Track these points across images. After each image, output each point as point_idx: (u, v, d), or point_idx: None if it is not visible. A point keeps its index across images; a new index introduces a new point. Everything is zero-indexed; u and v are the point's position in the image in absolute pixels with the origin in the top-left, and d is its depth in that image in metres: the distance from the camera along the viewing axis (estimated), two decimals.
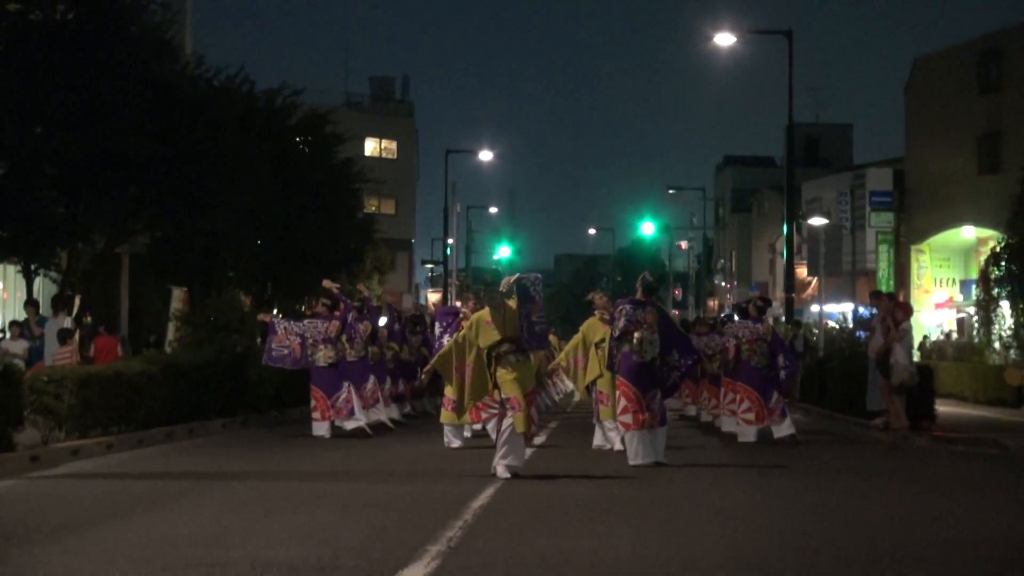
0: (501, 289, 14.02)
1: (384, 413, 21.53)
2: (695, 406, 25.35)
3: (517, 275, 14.12)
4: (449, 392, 17.80)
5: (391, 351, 22.80)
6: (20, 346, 20.64)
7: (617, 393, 15.75)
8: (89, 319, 26.51)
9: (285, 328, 20.19)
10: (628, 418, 15.33)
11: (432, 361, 15.23)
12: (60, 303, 23.63)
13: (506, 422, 13.68)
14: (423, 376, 15.96)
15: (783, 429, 19.16)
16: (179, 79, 26.48)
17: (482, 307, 14.44)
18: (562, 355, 18.67)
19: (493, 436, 15.65)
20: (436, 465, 15.36)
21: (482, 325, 14.00)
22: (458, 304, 19.30)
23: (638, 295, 15.74)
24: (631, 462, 15.12)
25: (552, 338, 26.45)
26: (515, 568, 8.36)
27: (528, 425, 13.71)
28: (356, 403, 19.92)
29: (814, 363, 29.03)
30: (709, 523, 10.45)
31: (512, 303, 13.88)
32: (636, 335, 15.41)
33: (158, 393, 19.09)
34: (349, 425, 19.81)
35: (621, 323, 15.56)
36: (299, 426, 21.21)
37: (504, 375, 13.79)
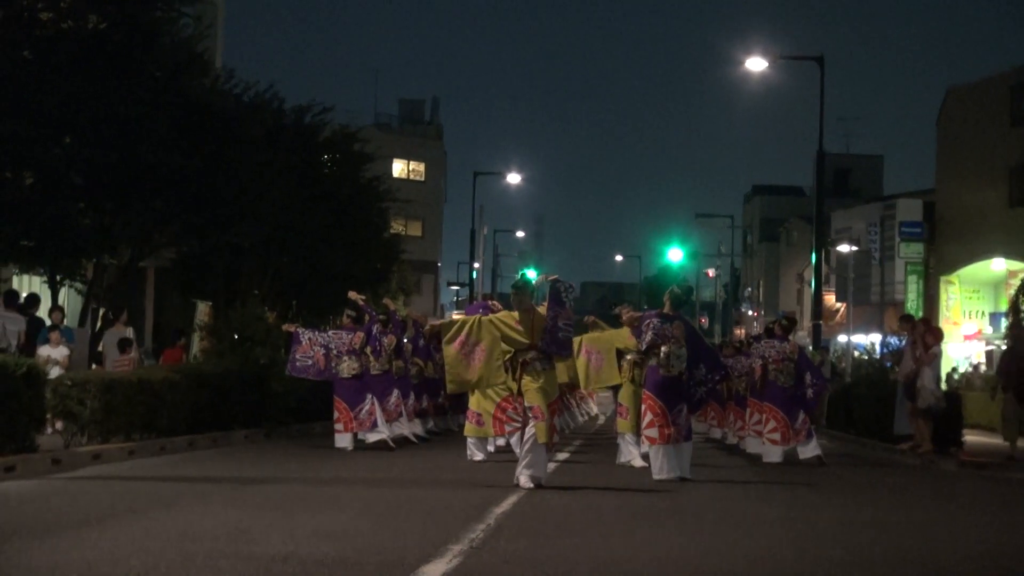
0: (536, 283, 13.94)
1: (407, 427, 21.52)
2: (720, 429, 25.25)
3: (555, 276, 14.04)
4: (473, 405, 17.82)
5: (416, 366, 22.76)
6: (61, 352, 20.73)
7: (643, 407, 15.68)
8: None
9: (310, 339, 20.24)
10: (654, 432, 15.26)
11: (442, 320, 15.02)
12: (119, 313, 23.88)
13: (528, 431, 13.61)
14: (427, 329, 15.38)
15: (809, 450, 19.13)
16: (209, 93, 26.59)
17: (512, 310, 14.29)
18: (579, 339, 17.61)
19: (517, 451, 15.62)
20: (459, 475, 15.36)
21: (511, 323, 13.92)
22: (490, 302, 19.20)
23: (666, 308, 15.65)
24: (655, 476, 15.06)
25: None
26: (537, 567, 8.33)
27: (551, 435, 13.65)
28: (379, 416, 19.94)
29: (840, 389, 28.93)
30: (732, 533, 10.41)
31: (541, 310, 13.82)
32: (663, 349, 15.31)
33: (181, 402, 19.15)
34: (372, 437, 19.85)
35: (648, 336, 15.47)
36: (322, 439, 21.25)
37: (529, 383, 13.66)
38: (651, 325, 15.46)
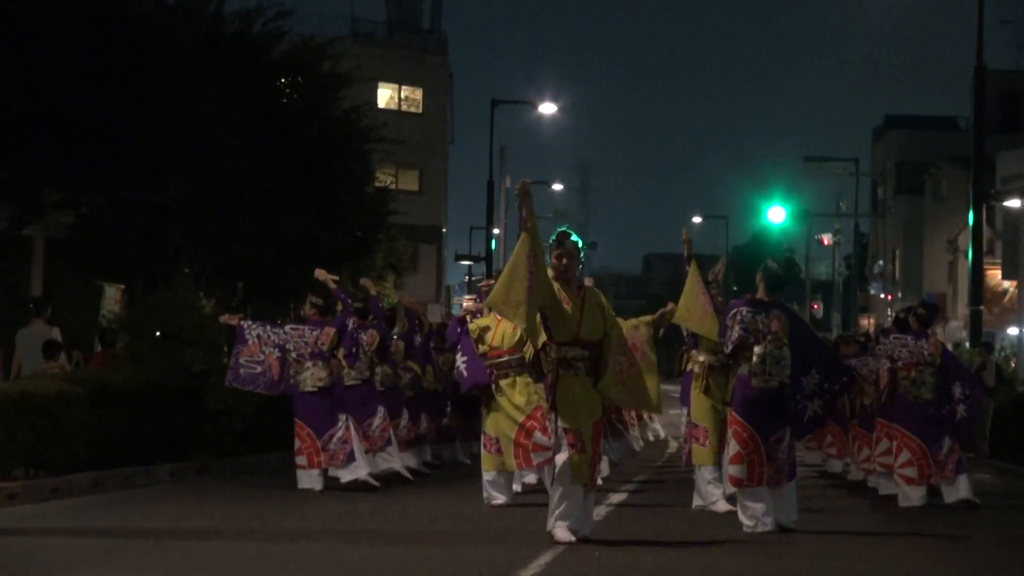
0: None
1: (398, 460, 21.41)
2: (840, 459, 24.85)
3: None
4: (489, 427, 17.62)
5: (410, 373, 22.74)
6: None
7: (728, 433, 15.59)
8: None
9: (259, 336, 20.09)
10: (740, 470, 15.10)
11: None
12: (38, 306, 23.88)
13: (560, 463, 13.46)
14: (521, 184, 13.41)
15: (957, 491, 18.80)
16: None
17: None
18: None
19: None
20: (471, 526, 15.45)
21: (561, 298, 13.40)
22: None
23: (759, 293, 15.48)
24: (746, 528, 14.97)
25: None
26: None
27: (589, 472, 13.53)
28: (357, 445, 19.82)
29: (1010, 402, 28.80)
30: None
31: (602, 298, 13.69)
32: (756, 350, 15.16)
33: (82, 425, 19.15)
34: (347, 476, 19.70)
35: (735, 334, 15.23)
36: (279, 476, 21.27)
37: (565, 393, 13.46)
38: (739, 317, 15.24)
